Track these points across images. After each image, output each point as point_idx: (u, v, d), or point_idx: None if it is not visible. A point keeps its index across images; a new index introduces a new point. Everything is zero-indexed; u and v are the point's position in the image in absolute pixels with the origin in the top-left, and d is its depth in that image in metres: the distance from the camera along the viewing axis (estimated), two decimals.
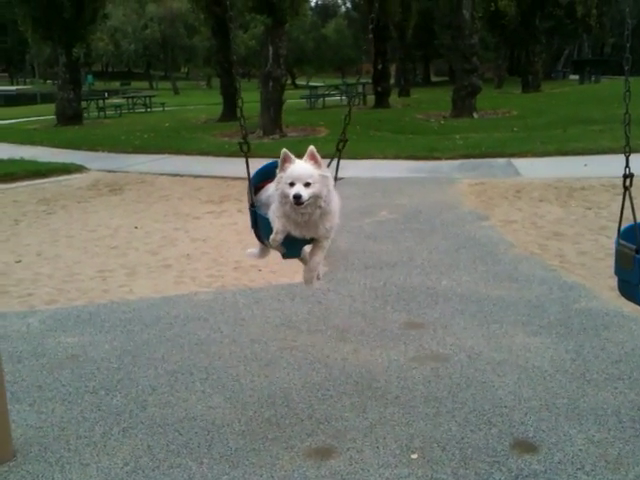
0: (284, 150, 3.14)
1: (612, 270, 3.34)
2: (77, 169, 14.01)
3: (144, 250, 7.79)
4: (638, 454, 3.32)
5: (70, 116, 24.23)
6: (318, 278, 3.56)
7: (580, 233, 7.60)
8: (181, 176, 13.03)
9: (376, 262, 6.77)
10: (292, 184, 3.04)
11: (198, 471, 3.34)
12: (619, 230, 3.11)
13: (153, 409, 3.99)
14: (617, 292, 3.47)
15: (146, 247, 7.92)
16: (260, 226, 3.45)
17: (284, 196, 3.08)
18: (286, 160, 3.12)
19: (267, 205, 3.35)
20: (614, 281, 3.42)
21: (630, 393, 3.93)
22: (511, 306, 5.40)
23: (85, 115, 27.01)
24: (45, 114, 28.13)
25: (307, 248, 3.48)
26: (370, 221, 8.61)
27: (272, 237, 3.17)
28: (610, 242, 3.15)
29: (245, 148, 3.54)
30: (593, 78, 39.10)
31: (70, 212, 10.17)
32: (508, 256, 6.81)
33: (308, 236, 3.24)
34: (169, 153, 16.10)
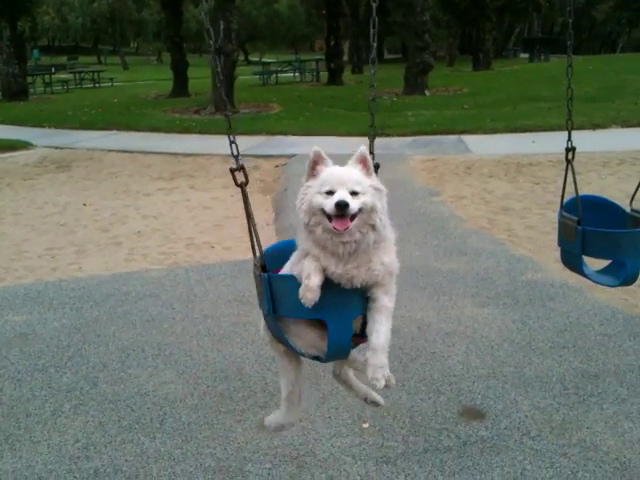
0: (316, 149, 2.11)
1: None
2: (23, 145, 13.69)
3: (94, 227, 7.67)
4: (582, 419, 3.45)
5: (15, 92, 23.61)
6: (390, 381, 2.07)
7: (528, 208, 7.77)
8: (131, 152, 12.80)
9: None
10: (330, 192, 2.01)
11: (151, 446, 3.34)
12: (562, 202, 3.19)
13: (104, 386, 3.96)
14: (561, 263, 3.57)
15: (96, 224, 7.80)
16: (280, 293, 2.12)
17: (312, 213, 2.03)
18: (318, 162, 2.10)
19: None
20: (559, 253, 3.52)
21: (574, 361, 4.06)
22: (460, 279, 5.50)
23: (31, 91, 26.33)
24: None
25: (355, 352, 2.26)
26: None
27: (303, 287, 1.99)
28: (556, 216, 3.23)
29: (241, 178, 2.19)
30: (543, 56, 39.61)
31: (16, 189, 9.93)
32: (458, 230, 6.91)
33: (357, 280, 2.04)
34: (118, 129, 15.80)
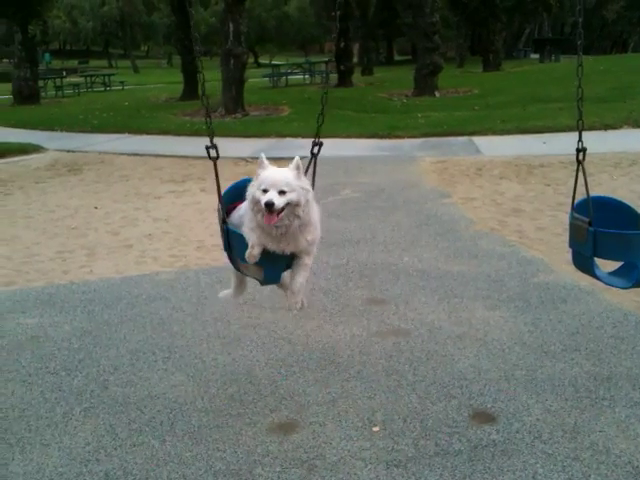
0: (261, 155, 2.97)
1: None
2: (34, 149, 13.70)
3: (104, 230, 7.69)
4: (593, 423, 3.41)
5: (27, 95, 23.74)
6: (303, 305, 3.24)
7: (539, 209, 7.73)
8: (141, 155, 12.84)
9: (339, 240, 6.79)
10: (265, 191, 2.80)
11: (161, 449, 3.34)
12: (573, 204, 3.17)
13: (115, 388, 3.97)
14: (573, 265, 3.54)
15: (106, 227, 7.82)
16: (234, 244, 3.16)
17: (255, 202, 2.85)
18: (260, 166, 2.94)
19: (239, 226, 3.11)
20: (571, 255, 3.49)
21: (586, 364, 4.03)
22: (471, 281, 5.48)
23: (42, 94, 26.46)
24: (1, 93, 27.42)
25: (287, 274, 3.26)
26: (333, 199, 8.61)
27: (248, 252, 2.90)
28: (567, 217, 3.20)
29: (214, 153, 3.21)
30: (553, 57, 39.39)
31: (28, 193, 9.97)
32: (469, 232, 6.89)
33: (287, 250, 2.98)
34: (129, 132, 15.84)
